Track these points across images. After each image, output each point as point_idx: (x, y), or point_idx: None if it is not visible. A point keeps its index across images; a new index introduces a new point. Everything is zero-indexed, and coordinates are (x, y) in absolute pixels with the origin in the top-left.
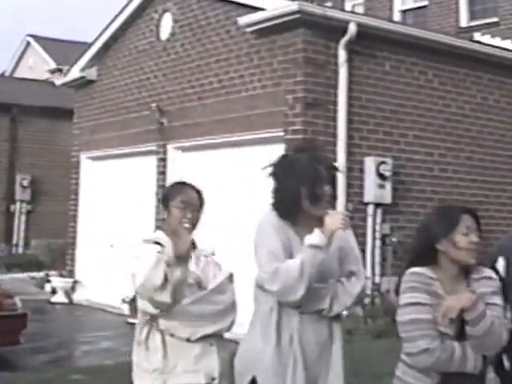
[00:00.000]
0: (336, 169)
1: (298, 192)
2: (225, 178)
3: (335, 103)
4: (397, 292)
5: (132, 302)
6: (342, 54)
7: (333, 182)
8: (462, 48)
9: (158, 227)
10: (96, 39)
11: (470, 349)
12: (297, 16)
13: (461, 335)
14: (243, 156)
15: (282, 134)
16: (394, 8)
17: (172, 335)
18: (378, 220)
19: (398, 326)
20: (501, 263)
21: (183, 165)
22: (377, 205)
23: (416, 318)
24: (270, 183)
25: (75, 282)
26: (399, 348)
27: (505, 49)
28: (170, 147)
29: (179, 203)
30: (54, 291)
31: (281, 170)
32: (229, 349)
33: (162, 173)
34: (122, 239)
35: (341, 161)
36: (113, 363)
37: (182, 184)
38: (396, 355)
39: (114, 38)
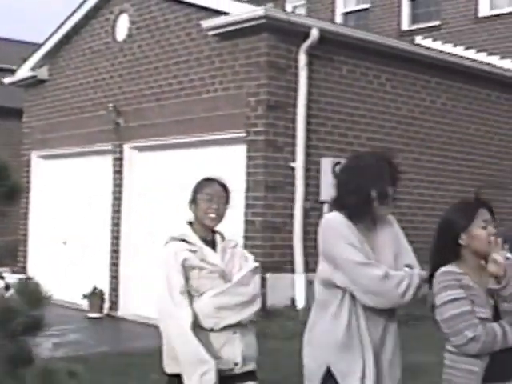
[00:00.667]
0: (399, 171)
1: (369, 194)
2: (184, 177)
3: (295, 106)
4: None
5: (91, 297)
6: (303, 58)
7: (395, 183)
8: (413, 53)
9: (189, 222)
10: (48, 39)
11: (506, 325)
12: (262, 21)
13: (496, 316)
14: (203, 156)
15: (243, 135)
16: (337, 10)
17: (197, 325)
18: None
19: (440, 324)
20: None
21: (140, 164)
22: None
23: (457, 312)
24: (339, 186)
25: (28, 279)
26: None
27: (452, 54)
28: (126, 147)
29: (205, 195)
30: (7, 287)
31: (351, 174)
32: (253, 334)
33: (119, 172)
34: (76, 237)
35: (299, 161)
36: (88, 354)
37: (209, 179)
38: None
39: (67, 37)
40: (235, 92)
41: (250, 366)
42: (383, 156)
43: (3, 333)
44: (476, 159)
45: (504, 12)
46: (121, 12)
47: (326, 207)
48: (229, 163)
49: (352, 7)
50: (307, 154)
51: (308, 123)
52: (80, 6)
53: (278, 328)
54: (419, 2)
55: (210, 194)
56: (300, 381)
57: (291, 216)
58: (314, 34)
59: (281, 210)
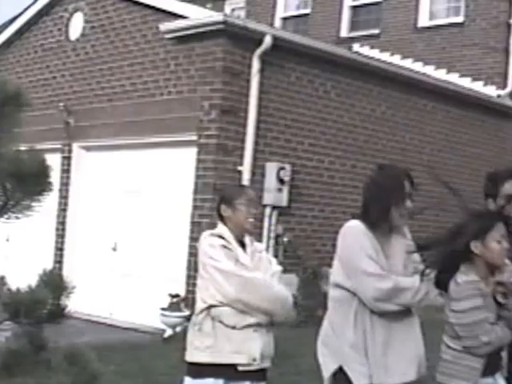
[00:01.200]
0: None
1: (389, 205)
2: (131, 178)
3: (246, 111)
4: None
5: None
6: (256, 65)
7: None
8: (358, 62)
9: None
10: None
11: (503, 326)
12: (219, 26)
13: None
14: (152, 158)
15: (195, 138)
16: (276, 15)
17: (221, 322)
18: (274, 221)
19: (457, 327)
20: None
21: (88, 164)
22: (274, 207)
23: (477, 319)
24: (364, 196)
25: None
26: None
27: (394, 64)
28: (75, 146)
29: (244, 201)
30: None
31: (375, 185)
32: (271, 333)
33: (66, 171)
34: (19, 233)
35: (246, 165)
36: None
37: (242, 186)
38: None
39: (18, 34)
40: (189, 95)
41: (267, 364)
42: (404, 171)
43: (30, 320)
44: (408, 167)
45: (442, 23)
46: (75, 10)
47: (268, 210)
48: (177, 165)
49: (292, 12)
50: (254, 159)
51: (257, 128)
52: (34, 2)
53: None
54: (360, 9)
55: (248, 200)
56: None
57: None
58: (268, 40)
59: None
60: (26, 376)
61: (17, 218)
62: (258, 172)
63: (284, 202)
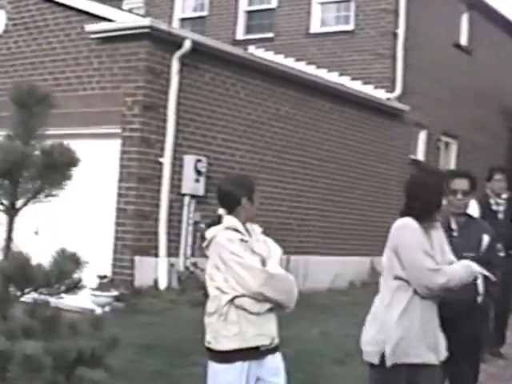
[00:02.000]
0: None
1: (430, 203)
2: None
3: (166, 107)
4: None
5: None
6: (176, 66)
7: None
8: (265, 66)
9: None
10: None
11: None
12: (145, 30)
13: None
14: (79, 148)
15: (119, 131)
16: (174, 16)
17: (244, 310)
18: (192, 209)
19: None
20: (486, 239)
21: None
22: (192, 196)
23: None
24: (407, 195)
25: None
26: None
27: (297, 69)
28: None
29: (258, 193)
30: None
31: (417, 186)
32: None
33: None
34: None
35: (167, 157)
36: None
37: (248, 176)
38: None
39: None
40: (112, 92)
41: (278, 340)
42: (441, 173)
43: (51, 291)
44: (308, 162)
45: (332, 30)
46: None
47: (186, 199)
48: (102, 156)
49: (189, 14)
50: (174, 151)
51: (177, 123)
52: None
53: (146, 305)
54: (254, 14)
55: (257, 192)
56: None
57: (158, 206)
58: (187, 44)
59: (149, 200)
60: (53, 340)
61: (47, 199)
62: (177, 164)
63: (201, 192)
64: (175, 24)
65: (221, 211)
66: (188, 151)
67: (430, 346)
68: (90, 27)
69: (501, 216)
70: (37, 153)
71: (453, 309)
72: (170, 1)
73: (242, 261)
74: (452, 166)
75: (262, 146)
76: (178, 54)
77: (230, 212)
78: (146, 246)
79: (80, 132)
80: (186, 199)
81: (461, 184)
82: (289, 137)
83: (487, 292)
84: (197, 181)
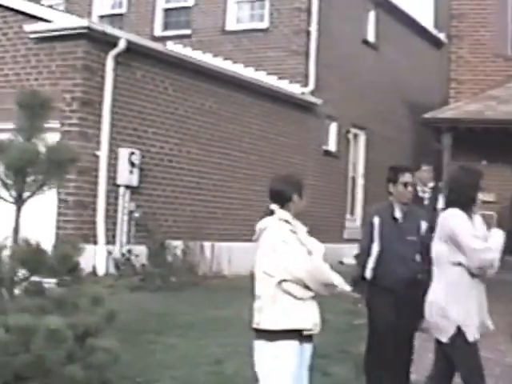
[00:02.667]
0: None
1: (474, 197)
2: None
3: (102, 103)
4: None
5: None
6: (110, 64)
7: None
8: (191, 63)
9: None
10: None
11: None
12: (82, 30)
13: None
14: None
15: (58, 125)
16: (93, 13)
17: (290, 294)
18: (127, 199)
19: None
20: (424, 225)
21: None
22: (127, 187)
23: None
24: (451, 189)
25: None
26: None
27: (220, 67)
28: None
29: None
30: None
31: (460, 181)
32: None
33: None
34: None
35: (103, 150)
36: None
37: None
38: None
39: None
40: (50, 88)
41: (319, 329)
42: (479, 171)
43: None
44: (231, 153)
45: (248, 28)
46: None
47: (121, 189)
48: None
49: (108, 11)
50: (110, 144)
51: (112, 118)
52: None
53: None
54: (172, 11)
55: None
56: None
57: (95, 196)
58: (122, 43)
59: (88, 191)
60: (63, 316)
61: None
62: (112, 156)
63: (135, 183)
64: (94, 20)
65: (273, 206)
66: (122, 144)
67: (484, 321)
68: (30, 27)
69: (426, 202)
70: (42, 150)
71: (398, 283)
72: None
73: (290, 249)
74: (361, 156)
75: (189, 139)
76: (113, 52)
77: (281, 207)
78: (86, 235)
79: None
80: (121, 190)
81: (409, 177)
82: (213, 130)
83: (426, 270)
84: (131, 172)
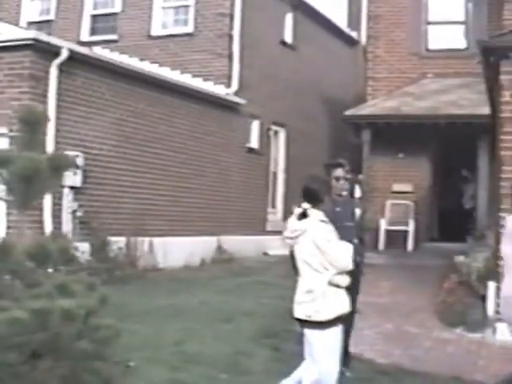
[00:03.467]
0: None
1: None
2: None
3: (46, 109)
4: None
5: None
6: (54, 72)
7: None
8: (125, 69)
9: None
10: None
11: None
12: (28, 42)
13: None
14: None
15: (6, 131)
16: (21, 19)
17: (336, 285)
18: (70, 199)
19: None
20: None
21: None
22: (71, 187)
23: None
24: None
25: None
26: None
27: (152, 71)
28: None
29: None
30: None
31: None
32: None
33: None
34: None
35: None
36: None
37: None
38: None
39: None
40: None
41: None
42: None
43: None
44: (163, 153)
45: (173, 33)
46: None
47: (66, 190)
48: None
49: (36, 18)
50: (56, 148)
51: (57, 124)
52: None
53: None
54: (99, 17)
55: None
56: None
57: (42, 197)
58: (64, 53)
59: None
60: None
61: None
62: None
63: (78, 183)
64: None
65: (305, 205)
66: (67, 148)
67: None
68: None
69: (344, 193)
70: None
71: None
72: (17, 5)
73: (334, 245)
74: (281, 152)
75: (125, 141)
76: (56, 61)
77: (313, 206)
78: (34, 234)
79: None
80: (66, 190)
81: (340, 172)
82: (146, 131)
83: (360, 254)
84: (75, 173)
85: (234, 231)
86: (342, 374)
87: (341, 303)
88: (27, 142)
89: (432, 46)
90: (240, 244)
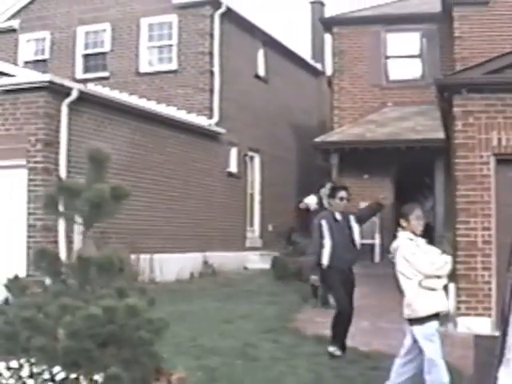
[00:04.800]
0: None
1: None
2: None
3: (59, 143)
4: None
5: None
6: (65, 110)
7: None
8: (124, 105)
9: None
10: None
11: None
12: (44, 84)
13: None
14: None
15: (24, 163)
16: (19, 58)
17: (427, 287)
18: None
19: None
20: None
21: None
22: None
23: None
24: None
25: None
26: None
27: (147, 107)
28: None
29: (415, 216)
30: None
31: None
32: None
33: None
34: None
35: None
36: None
37: (413, 205)
38: None
39: None
40: (16, 132)
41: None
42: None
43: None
44: (156, 178)
45: (159, 70)
46: None
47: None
48: (13, 182)
49: (32, 57)
50: (67, 177)
51: (68, 155)
52: None
53: None
54: (90, 56)
55: (418, 216)
56: None
57: (57, 220)
58: (74, 93)
59: (51, 216)
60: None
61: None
62: None
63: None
64: (20, 64)
65: (401, 222)
66: (76, 176)
67: None
68: None
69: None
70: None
71: (346, 264)
72: (15, 46)
73: (417, 257)
74: (257, 175)
75: (124, 168)
76: (67, 101)
77: (402, 228)
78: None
79: None
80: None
81: (344, 194)
82: (141, 160)
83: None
84: None
85: (217, 248)
86: (331, 354)
87: (435, 302)
88: (94, 175)
89: (391, 77)
90: (223, 259)
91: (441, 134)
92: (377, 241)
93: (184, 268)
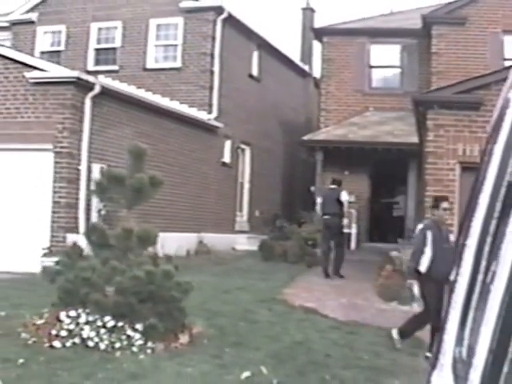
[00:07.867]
0: None
1: None
2: (10, 172)
3: (82, 131)
4: None
5: None
6: (88, 103)
7: None
8: (133, 98)
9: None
10: None
11: None
12: (72, 79)
13: None
14: (21, 160)
15: (51, 147)
16: (36, 49)
17: None
18: (96, 200)
19: None
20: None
21: None
22: None
23: None
24: None
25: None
26: None
27: (159, 103)
28: None
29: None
30: None
31: None
32: None
33: None
34: None
35: (83, 165)
36: None
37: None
38: None
39: None
40: (45, 120)
41: None
42: None
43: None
44: (161, 166)
45: (164, 67)
46: None
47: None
48: (39, 164)
49: (48, 48)
50: (88, 161)
51: (89, 142)
52: None
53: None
54: (101, 50)
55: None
56: None
57: (77, 199)
58: (97, 88)
59: (74, 195)
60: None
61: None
62: (89, 170)
63: None
64: (37, 55)
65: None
66: (95, 161)
67: None
68: (29, 74)
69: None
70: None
71: (442, 275)
72: (32, 36)
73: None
74: (247, 165)
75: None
76: (91, 94)
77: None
78: (72, 227)
79: (21, 147)
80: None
81: (446, 205)
82: (149, 149)
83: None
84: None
85: (210, 229)
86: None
87: None
88: (134, 166)
89: (373, 84)
90: (215, 240)
91: (415, 139)
92: (353, 230)
93: (182, 246)
